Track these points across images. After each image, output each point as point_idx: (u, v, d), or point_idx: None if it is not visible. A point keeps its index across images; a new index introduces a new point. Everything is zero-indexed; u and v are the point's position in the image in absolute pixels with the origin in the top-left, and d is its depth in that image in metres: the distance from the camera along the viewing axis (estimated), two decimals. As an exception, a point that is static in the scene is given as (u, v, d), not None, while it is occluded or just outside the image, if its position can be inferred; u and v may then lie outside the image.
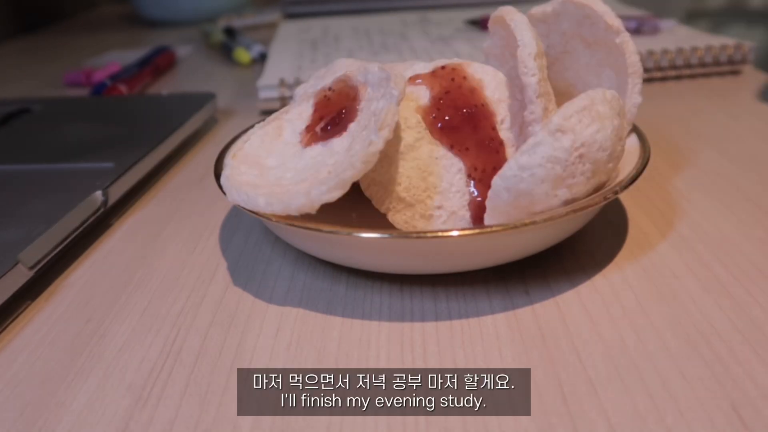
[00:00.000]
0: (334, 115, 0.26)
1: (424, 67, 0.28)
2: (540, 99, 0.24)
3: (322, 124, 0.26)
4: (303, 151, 0.25)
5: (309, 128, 0.26)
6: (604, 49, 0.27)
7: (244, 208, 0.24)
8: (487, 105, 0.26)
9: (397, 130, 0.26)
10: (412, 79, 0.27)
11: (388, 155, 0.25)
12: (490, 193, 0.23)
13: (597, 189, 0.24)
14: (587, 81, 0.28)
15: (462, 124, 0.26)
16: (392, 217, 0.24)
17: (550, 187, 0.22)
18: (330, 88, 0.27)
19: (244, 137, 0.27)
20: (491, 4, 0.72)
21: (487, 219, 0.23)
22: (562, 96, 0.29)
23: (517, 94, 0.26)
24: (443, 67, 0.27)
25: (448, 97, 0.26)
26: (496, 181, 0.22)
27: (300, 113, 0.27)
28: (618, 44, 0.26)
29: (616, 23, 0.26)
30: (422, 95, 0.26)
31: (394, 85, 0.23)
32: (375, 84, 0.25)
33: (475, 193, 0.25)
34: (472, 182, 0.25)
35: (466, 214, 0.25)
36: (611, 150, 0.22)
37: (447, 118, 0.26)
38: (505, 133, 0.26)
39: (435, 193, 0.25)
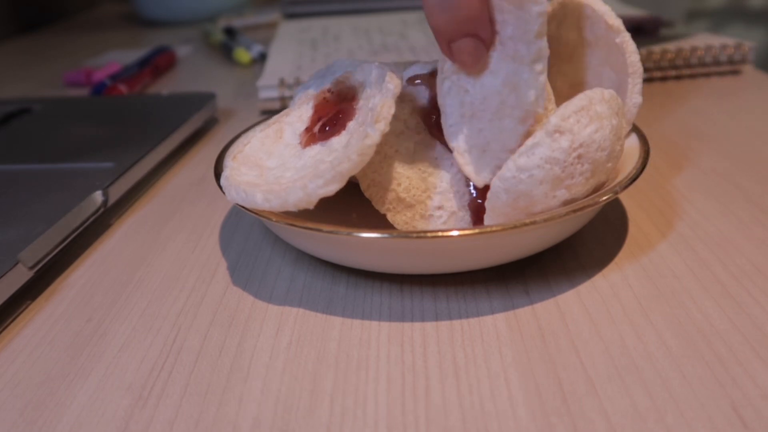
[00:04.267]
0: (332, 115, 0.26)
1: (422, 68, 0.28)
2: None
3: (319, 125, 0.26)
4: (302, 151, 0.25)
5: (308, 129, 0.26)
6: (604, 49, 0.27)
7: (244, 207, 0.24)
8: None
9: (397, 131, 0.26)
10: (411, 80, 0.27)
11: (388, 156, 0.25)
12: (489, 194, 0.23)
13: (596, 189, 0.24)
14: (587, 81, 0.28)
15: None
16: (392, 218, 0.24)
17: (549, 188, 0.22)
18: (329, 90, 0.27)
19: (244, 140, 0.27)
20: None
21: (487, 220, 0.23)
22: (561, 96, 0.29)
23: None
24: None
25: None
26: (495, 182, 0.22)
27: (300, 116, 0.27)
28: (618, 44, 0.26)
29: (617, 23, 0.26)
30: (422, 96, 0.27)
31: (389, 79, 0.23)
32: (372, 82, 0.25)
33: (475, 194, 0.25)
34: (472, 183, 0.25)
35: (466, 215, 0.25)
36: (610, 150, 0.22)
37: None
38: None
39: (435, 193, 0.25)
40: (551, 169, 0.21)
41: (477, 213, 0.25)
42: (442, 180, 0.25)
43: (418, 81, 0.27)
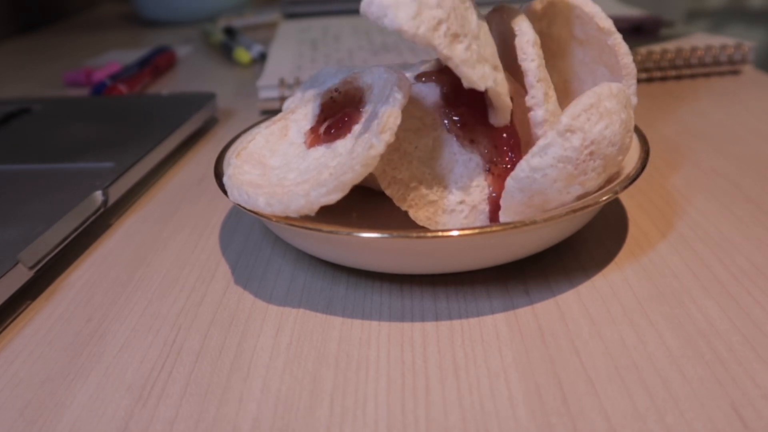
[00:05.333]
0: (338, 116, 0.26)
1: (431, 64, 0.28)
2: (540, 83, 0.24)
3: (325, 126, 0.26)
4: (307, 152, 0.25)
5: (314, 129, 0.26)
6: (596, 48, 0.27)
7: (244, 208, 0.24)
8: None
9: (414, 128, 0.26)
10: (422, 77, 0.27)
11: (407, 153, 0.25)
12: (503, 193, 0.23)
13: (609, 181, 0.24)
14: (582, 78, 0.28)
15: (477, 119, 0.26)
16: (414, 215, 0.24)
17: (563, 186, 0.22)
18: (336, 90, 0.27)
19: (248, 136, 0.27)
20: (488, 4, 0.72)
21: (502, 217, 0.23)
22: (557, 91, 0.29)
23: (522, 88, 0.26)
24: None
25: (461, 94, 0.26)
26: (509, 182, 0.22)
27: (306, 114, 0.27)
28: (610, 46, 0.26)
29: (607, 24, 0.26)
30: (435, 92, 0.27)
31: (398, 88, 0.23)
32: (380, 86, 0.25)
33: (493, 188, 0.25)
34: (490, 176, 0.25)
35: (486, 208, 0.25)
36: (620, 144, 0.23)
37: (462, 113, 0.26)
38: (515, 126, 0.26)
39: (456, 188, 0.25)
40: (564, 167, 0.21)
41: (496, 206, 0.25)
42: (461, 175, 0.25)
43: (429, 78, 0.27)
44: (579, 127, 0.21)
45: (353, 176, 0.21)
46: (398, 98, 0.23)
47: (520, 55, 0.24)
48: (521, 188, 0.22)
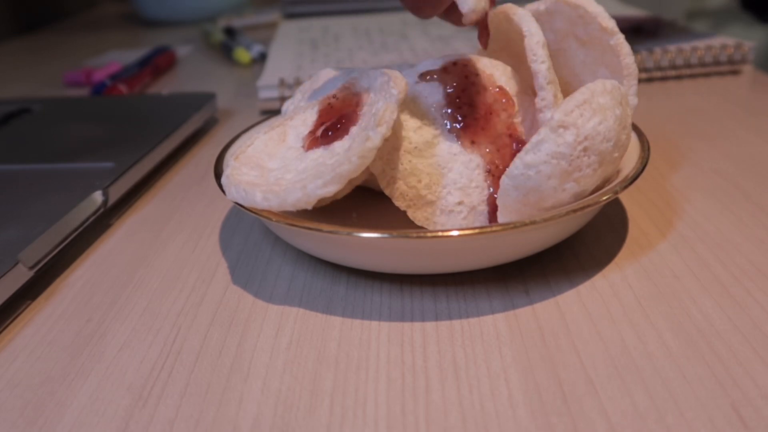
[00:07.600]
0: (335, 120, 0.26)
1: (434, 63, 0.28)
2: (550, 85, 0.24)
3: (322, 129, 0.26)
4: (305, 154, 0.25)
5: (312, 133, 0.26)
6: (598, 49, 0.27)
7: (243, 206, 0.24)
8: (500, 100, 0.26)
9: (414, 127, 0.26)
10: (425, 76, 0.27)
11: (408, 152, 0.25)
12: (499, 192, 0.23)
13: (606, 179, 0.24)
14: (583, 79, 0.28)
15: (479, 120, 0.26)
16: (413, 215, 0.24)
17: (557, 182, 0.22)
18: (334, 96, 0.27)
19: (247, 140, 0.27)
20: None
21: (500, 217, 0.23)
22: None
23: (527, 89, 0.26)
24: (455, 63, 0.27)
25: (464, 95, 0.26)
26: (504, 180, 0.22)
27: (304, 120, 0.27)
28: (612, 46, 0.26)
29: (610, 25, 0.26)
30: (437, 92, 0.27)
31: (394, 84, 0.23)
32: (377, 88, 0.25)
33: (492, 189, 0.25)
34: (491, 178, 0.25)
35: (485, 210, 0.25)
36: (615, 140, 0.23)
37: (464, 114, 0.26)
38: (519, 127, 0.26)
39: (455, 188, 0.25)
40: (558, 163, 0.21)
41: (495, 208, 0.25)
42: (461, 175, 0.25)
43: (431, 77, 0.27)
44: (572, 123, 0.21)
45: (350, 168, 0.21)
46: (394, 93, 0.23)
47: (530, 57, 0.24)
48: (516, 186, 0.22)
